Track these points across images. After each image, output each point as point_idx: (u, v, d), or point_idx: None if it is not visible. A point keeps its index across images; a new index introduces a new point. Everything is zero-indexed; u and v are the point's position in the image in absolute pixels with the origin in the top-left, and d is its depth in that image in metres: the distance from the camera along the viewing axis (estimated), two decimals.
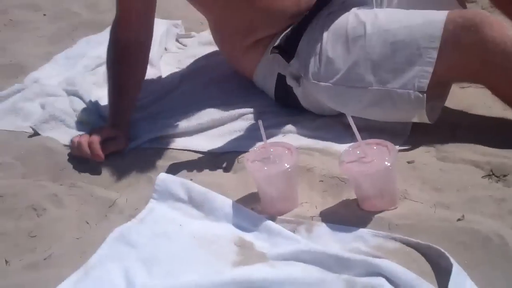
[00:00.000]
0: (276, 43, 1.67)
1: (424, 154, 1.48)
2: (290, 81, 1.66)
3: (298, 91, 1.67)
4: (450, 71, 1.47)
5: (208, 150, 1.65)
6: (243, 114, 1.76)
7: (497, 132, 1.55)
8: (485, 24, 1.40)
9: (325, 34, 1.61)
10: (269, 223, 1.28)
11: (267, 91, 1.80)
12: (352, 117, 1.25)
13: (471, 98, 1.70)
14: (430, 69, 1.45)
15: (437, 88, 1.53)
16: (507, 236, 1.16)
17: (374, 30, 1.53)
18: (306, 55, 1.62)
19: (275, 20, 1.69)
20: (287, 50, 1.65)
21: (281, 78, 1.70)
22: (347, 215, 1.28)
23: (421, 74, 1.46)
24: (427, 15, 1.50)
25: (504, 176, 1.37)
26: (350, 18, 1.60)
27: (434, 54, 1.44)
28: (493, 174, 1.38)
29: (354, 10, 1.65)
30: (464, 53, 1.43)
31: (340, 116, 1.64)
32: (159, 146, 1.69)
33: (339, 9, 1.67)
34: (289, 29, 1.66)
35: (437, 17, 1.47)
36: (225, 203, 1.35)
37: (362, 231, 1.22)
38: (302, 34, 1.64)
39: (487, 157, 1.43)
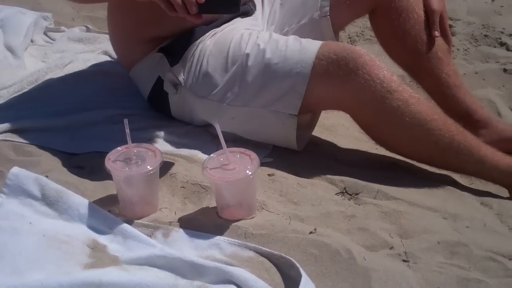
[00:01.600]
0: (164, 44, 1.65)
1: (284, 168, 1.53)
2: (167, 87, 1.64)
3: (173, 98, 1.65)
4: (319, 100, 1.53)
5: (68, 150, 1.58)
6: (110, 115, 1.71)
7: (353, 152, 1.64)
8: (358, 64, 1.47)
9: (210, 46, 1.61)
10: (125, 226, 1.26)
11: (140, 89, 1.76)
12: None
13: (332, 119, 1.79)
14: (302, 92, 1.50)
15: (306, 116, 1.59)
16: (354, 250, 1.22)
17: (253, 51, 1.56)
18: (189, 64, 1.61)
19: (181, 21, 1.65)
20: (174, 54, 1.63)
21: (159, 82, 1.68)
22: (206, 222, 1.28)
23: (293, 97, 1.51)
24: (303, 43, 1.55)
25: (356, 194, 1.45)
26: (234, 36, 1.62)
27: (306, 79, 1.50)
28: (346, 192, 1.46)
29: (240, 26, 1.68)
30: (334, 88, 1.50)
31: (208, 125, 1.65)
32: (15, 140, 1.60)
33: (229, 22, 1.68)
34: (184, 34, 1.64)
35: (312, 47, 1.52)
36: (81, 203, 1.30)
37: (218, 238, 1.23)
38: (194, 41, 1.63)
39: (341, 175, 1.51)
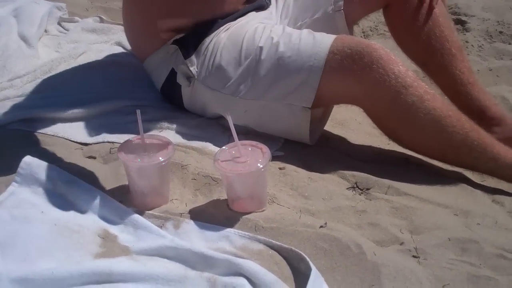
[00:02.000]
0: (179, 36, 1.65)
1: (295, 162, 1.53)
2: (180, 79, 1.64)
3: (186, 90, 1.66)
4: (332, 93, 1.52)
5: (80, 140, 1.59)
6: (122, 106, 1.71)
7: (365, 148, 1.64)
8: (373, 58, 1.46)
9: (224, 40, 1.61)
10: (136, 217, 1.26)
11: (154, 80, 1.76)
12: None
13: (344, 113, 1.78)
14: (315, 85, 1.49)
15: (319, 110, 1.59)
16: (365, 245, 1.22)
17: (266, 45, 1.56)
18: (203, 57, 1.61)
19: (198, 14, 1.65)
20: (188, 46, 1.63)
21: (173, 74, 1.68)
22: (216, 214, 1.28)
23: (306, 90, 1.51)
24: (317, 37, 1.55)
25: (367, 189, 1.45)
26: (248, 29, 1.62)
27: (319, 72, 1.49)
28: (357, 186, 1.46)
29: (255, 19, 1.67)
30: (348, 82, 1.49)
31: (219, 118, 1.65)
32: (28, 129, 1.61)
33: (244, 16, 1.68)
34: (199, 27, 1.64)
35: (325, 40, 1.52)
36: (92, 193, 1.30)
37: (229, 231, 1.23)
38: (208, 34, 1.63)
39: (353, 170, 1.50)
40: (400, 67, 1.48)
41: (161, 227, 1.25)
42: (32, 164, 1.35)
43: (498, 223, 1.37)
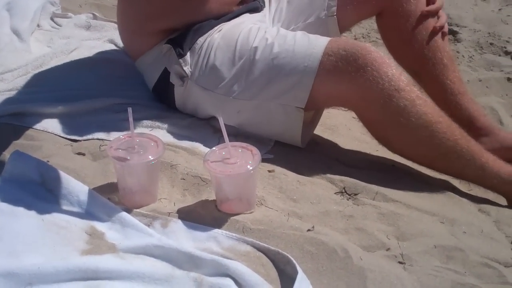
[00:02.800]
0: (173, 36, 1.65)
1: (284, 165, 1.53)
2: (173, 79, 1.64)
3: (179, 90, 1.65)
4: (326, 95, 1.53)
5: (70, 136, 1.58)
6: (113, 104, 1.71)
7: (354, 154, 1.65)
8: (368, 60, 1.47)
9: (218, 40, 1.61)
10: (124, 214, 1.26)
11: (146, 79, 1.76)
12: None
13: (334, 119, 1.79)
14: (309, 85, 1.50)
15: (310, 113, 1.59)
16: (351, 250, 1.23)
17: (260, 45, 1.56)
18: (197, 56, 1.61)
19: (192, 14, 1.65)
20: (182, 46, 1.63)
21: (165, 73, 1.68)
22: (204, 215, 1.28)
23: (300, 90, 1.51)
24: (311, 38, 1.55)
25: (355, 194, 1.45)
26: (243, 30, 1.62)
27: (313, 73, 1.49)
28: (346, 191, 1.46)
29: (249, 21, 1.68)
30: (341, 83, 1.49)
31: (210, 119, 1.65)
32: (17, 123, 1.59)
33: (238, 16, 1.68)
34: (193, 27, 1.64)
35: (320, 42, 1.53)
36: (80, 189, 1.30)
37: (216, 231, 1.24)
38: (202, 34, 1.63)
39: (341, 175, 1.51)
40: (394, 70, 1.49)
41: (148, 225, 1.25)
42: (20, 158, 1.34)
43: (483, 232, 1.39)
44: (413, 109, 1.47)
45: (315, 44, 1.52)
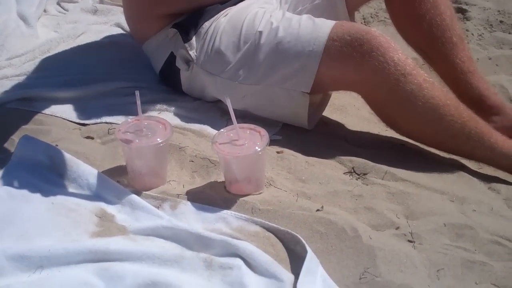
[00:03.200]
0: (179, 20, 1.64)
1: (293, 147, 1.53)
2: (179, 63, 1.64)
3: (184, 74, 1.65)
4: (331, 80, 1.52)
5: (78, 120, 1.59)
6: (121, 87, 1.71)
7: (363, 134, 1.64)
8: (373, 45, 1.46)
9: (224, 24, 1.61)
10: (134, 197, 1.27)
11: (153, 63, 1.76)
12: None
13: (342, 99, 1.78)
14: (314, 70, 1.49)
15: (318, 96, 1.59)
16: (360, 229, 1.23)
17: (265, 30, 1.55)
18: (202, 41, 1.61)
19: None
20: (187, 30, 1.63)
21: (172, 57, 1.67)
22: (213, 196, 1.29)
23: (305, 75, 1.51)
24: (316, 22, 1.54)
25: (364, 174, 1.45)
26: (248, 14, 1.61)
27: (318, 58, 1.49)
28: (354, 171, 1.46)
29: (255, 4, 1.67)
30: (347, 69, 1.49)
31: (218, 101, 1.65)
32: (26, 108, 1.60)
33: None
34: (199, 12, 1.64)
35: (325, 26, 1.51)
36: (90, 172, 1.31)
37: (225, 212, 1.24)
38: (208, 19, 1.63)
39: (350, 155, 1.51)
40: (400, 55, 1.48)
41: (158, 207, 1.26)
42: (29, 143, 1.35)
43: (493, 210, 1.38)
44: (420, 93, 1.47)
45: (320, 28, 1.51)
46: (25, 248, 1.09)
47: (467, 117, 1.51)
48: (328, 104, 1.72)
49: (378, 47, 1.46)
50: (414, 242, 1.24)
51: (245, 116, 1.57)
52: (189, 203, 1.27)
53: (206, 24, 1.62)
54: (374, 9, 2.46)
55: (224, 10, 1.64)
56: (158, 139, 1.27)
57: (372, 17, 2.40)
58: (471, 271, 1.18)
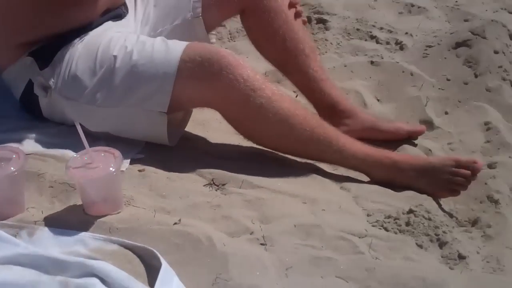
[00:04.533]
0: (34, 48, 1.65)
1: (155, 164, 1.58)
2: (37, 90, 1.65)
3: (43, 101, 1.67)
4: (188, 99, 1.60)
5: None
6: None
7: (224, 146, 1.72)
8: (222, 64, 1.54)
9: (80, 50, 1.64)
10: None
11: (13, 92, 1.76)
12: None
13: (205, 113, 1.84)
14: (169, 91, 1.55)
15: (179, 113, 1.66)
16: (215, 238, 1.30)
17: (120, 53, 1.60)
18: (59, 67, 1.63)
19: (55, 27, 1.65)
20: (43, 58, 1.64)
21: (30, 84, 1.68)
22: (71, 220, 1.32)
23: (161, 95, 1.57)
24: (169, 45, 1.61)
25: (223, 185, 1.53)
26: (104, 39, 1.65)
27: (172, 79, 1.55)
28: (214, 183, 1.54)
29: (111, 29, 1.71)
30: (200, 88, 1.57)
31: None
32: None
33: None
34: (55, 39, 1.65)
35: (177, 48, 1.58)
36: None
37: (83, 234, 1.27)
38: (64, 45, 1.65)
39: (211, 168, 1.58)
40: (249, 71, 1.57)
41: (15, 236, 1.27)
42: None
43: (341, 208, 1.50)
44: (270, 106, 1.57)
45: (172, 51, 1.58)
46: None
47: (315, 124, 1.63)
48: (191, 119, 1.79)
49: (227, 65, 1.55)
50: (266, 244, 1.32)
51: (108, 137, 1.61)
52: (46, 228, 1.29)
53: (62, 51, 1.64)
54: (240, 24, 2.55)
55: (80, 36, 1.67)
56: (12, 168, 1.29)
57: (237, 32, 2.49)
58: (318, 266, 1.28)
